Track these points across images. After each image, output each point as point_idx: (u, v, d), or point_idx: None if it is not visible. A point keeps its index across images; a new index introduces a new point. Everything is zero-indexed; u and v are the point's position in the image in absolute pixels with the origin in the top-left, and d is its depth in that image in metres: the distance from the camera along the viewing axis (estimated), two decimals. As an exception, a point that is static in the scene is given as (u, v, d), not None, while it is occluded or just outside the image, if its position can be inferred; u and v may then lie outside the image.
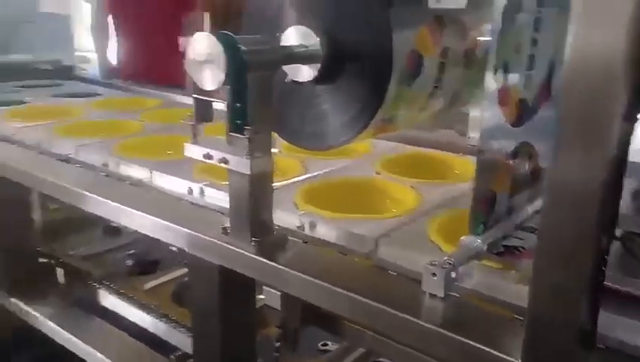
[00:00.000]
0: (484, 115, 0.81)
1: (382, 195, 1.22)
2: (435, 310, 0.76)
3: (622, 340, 0.68)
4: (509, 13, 0.79)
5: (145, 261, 1.74)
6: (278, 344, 1.08)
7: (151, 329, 1.31)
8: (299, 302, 1.10)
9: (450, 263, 0.79)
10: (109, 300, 1.43)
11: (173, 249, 1.56)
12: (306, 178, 1.26)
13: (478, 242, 0.83)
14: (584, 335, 0.61)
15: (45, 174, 1.27)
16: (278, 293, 1.11)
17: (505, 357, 0.65)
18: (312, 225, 1.01)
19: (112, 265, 1.69)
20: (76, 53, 2.80)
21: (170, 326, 1.26)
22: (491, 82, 0.80)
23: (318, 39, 0.90)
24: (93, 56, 2.75)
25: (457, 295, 0.80)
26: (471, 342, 0.68)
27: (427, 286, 0.78)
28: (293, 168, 1.32)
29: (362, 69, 0.90)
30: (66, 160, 1.40)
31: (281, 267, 0.86)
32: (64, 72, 2.62)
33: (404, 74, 0.91)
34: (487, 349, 0.66)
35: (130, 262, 1.72)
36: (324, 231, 0.99)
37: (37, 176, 1.28)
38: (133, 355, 1.31)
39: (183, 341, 1.20)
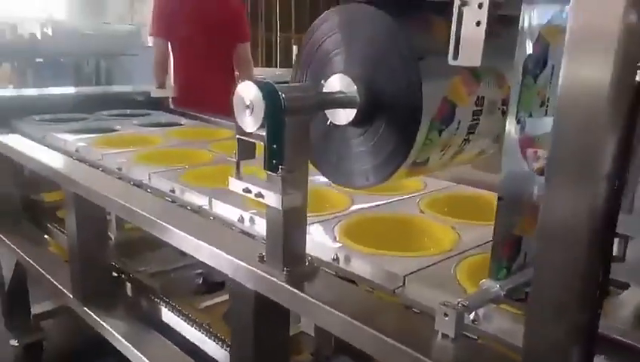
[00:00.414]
0: (503, 161, 0.84)
1: (421, 234, 1.26)
2: (444, 349, 0.79)
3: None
4: (534, 64, 0.82)
5: (211, 281, 1.86)
6: (310, 370, 1.14)
7: (199, 345, 1.41)
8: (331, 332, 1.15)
9: (463, 305, 0.82)
10: (168, 316, 1.55)
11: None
12: (351, 211, 1.32)
13: (496, 287, 0.85)
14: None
15: (119, 198, 1.43)
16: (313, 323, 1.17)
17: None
18: (347, 259, 1.07)
19: (180, 282, 1.82)
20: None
21: (216, 344, 1.35)
22: (512, 130, 0.83)
23: (356, 87, 0.97)
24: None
25: (473, 336, 0.83)
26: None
27: (439, 326, 0.81)
28: (340, 202, 1.39)
29: (394, 116, 0.96)
30: (139, 185, 1.56)
31: (307, 297, 0.92)
32: (154, 102, 2.87)
33: (436, 120, 0.96)
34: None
35: (198, 281, 1.85)
36: (357, 265, 1.05)
37: (113, 199, 1.44)
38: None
39: (224, 358, 1.29)
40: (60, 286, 1.74)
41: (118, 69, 5.99)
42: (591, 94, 0.54)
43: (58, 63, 5.80)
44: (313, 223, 1.19)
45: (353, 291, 0.97)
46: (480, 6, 0.71)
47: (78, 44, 5.60)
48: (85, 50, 5.81)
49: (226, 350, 1.34)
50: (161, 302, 1.58)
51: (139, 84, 3.50)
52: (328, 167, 1.07)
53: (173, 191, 1.49)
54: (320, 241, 1.11)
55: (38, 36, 5.63)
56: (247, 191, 0.94)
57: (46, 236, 2.17)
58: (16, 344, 2.28)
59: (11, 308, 2.33)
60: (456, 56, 0.75)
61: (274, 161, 0.89)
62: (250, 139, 0.92)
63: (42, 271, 1.85)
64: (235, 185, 0.97)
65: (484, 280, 0.87)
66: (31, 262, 1.93)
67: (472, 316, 0.87)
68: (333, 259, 1.08)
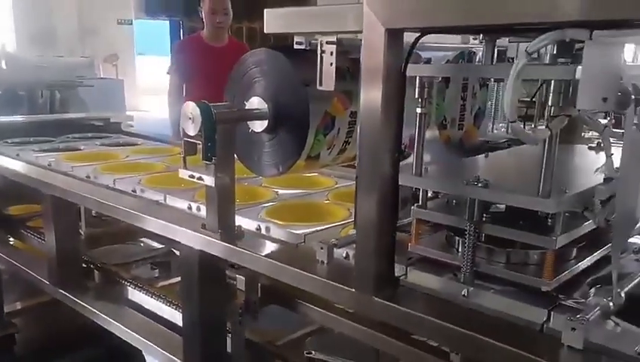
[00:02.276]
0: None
1: (325, 214, 1.71)
2: (322, 269, 1.23)
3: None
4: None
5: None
6: (240, 311, 1.55)
7: (158, 312, 1.80)
8: (257, 282, 1.58)
9: (334, 243, 1.26)
10: (131, 292, 1.93)
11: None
12: (274, 200, 1.77)
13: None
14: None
15: (93, 195, 1.82)
16: (243, 278, 1.59)
17: None
18: (267, 229, 1.51)
19: (138, 270, 2.21)
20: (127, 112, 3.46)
21: (171, 308, 1.75)
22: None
23: (266, 105, 1.43)
24: (140, 114, 3.40)
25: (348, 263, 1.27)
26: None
27: (319, 256, 1.26)
28: (268, 195, 1.84)
29: (293, 124, 1.41)
30: (107, 188, 1.96)
31: (237, 248, 1.36)
32: (113, 127, 3.24)
33: (320, 127, 1.42)
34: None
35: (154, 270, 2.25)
36: (274, 231, 1.49)
37: (88, 197, 1.83)
38: (151, 330, 1.80)
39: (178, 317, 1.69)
40: (38, 276, 2.09)
41: (73, 100, 6.26)
42: (373, 106, 1.01)
43: (14, 95, 6.03)
44: (245, 208, 1.63)
45: (270, 245, 1.42)
46: (331, 53, 1.18)
47: (33, 76, 5.86)
48: (40, 82, 6.07)
49: (178, 311, 1.73)
50: (125, 283, 1.97)
51: (96, 112, 3.86)
52: (251, 162, 1.52)
53: (134, 191, 1.89)
54: (248, 218, 1.55)
55: (-8, 68, 5.84)
56: (192, 176, 1.37)
57: (19, 241, 2.50)
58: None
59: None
60: (320, 83, 1.22)
61: (209, 154, 1.33)
62: (192, 140, 1.35)
63: (21, 266, 2.19)
64: (184, 173, 1.40)
65: (351, 230, 1.33)
66: (10, 260, 2.26)
67: (344, 253, 1.31)
68: (257, 229, 1.51)
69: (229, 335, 1.55)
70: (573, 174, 1.21)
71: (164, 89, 3.80)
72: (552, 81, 0.97)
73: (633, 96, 0.87)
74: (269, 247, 1.42)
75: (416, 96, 1.13)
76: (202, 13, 3.65)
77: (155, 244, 2.36)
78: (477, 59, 1.64)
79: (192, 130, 1.32)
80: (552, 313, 0.98)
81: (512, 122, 0.92)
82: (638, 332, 0.93)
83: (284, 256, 1.34)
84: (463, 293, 1.08)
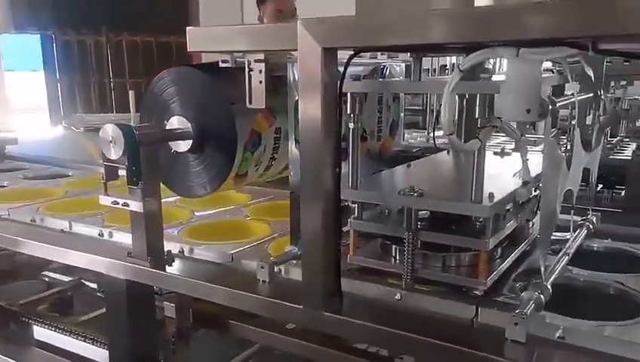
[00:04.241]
0: (293, 166, 1.31)
1: (246, 230, 1.69)
2: (263, 288, 1.22)
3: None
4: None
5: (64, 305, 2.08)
6: (173, 339, 1.48)
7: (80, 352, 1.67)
8: (188, 308, 1.52)
9: (274, 261, 1.25)
10: (42, 332, 1.77)
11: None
12: (192, 221, 1.72)
13: (295, 249, 1.31)
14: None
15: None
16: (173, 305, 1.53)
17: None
18: (190, 250, 1.45)
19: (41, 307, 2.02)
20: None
21: (94, 345, 1.63)
22: (293, 146, 1.30)
23: (190, 125, 1.38)
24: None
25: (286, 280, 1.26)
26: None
27: (260, 275, 1.24)
28: (184, 215, 1.78)
29: (219, 143, 1.38)
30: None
31: (170, 274, 1.30)
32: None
33: (248, 145, 1.41)
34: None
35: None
36: (199, 252, 1.44)
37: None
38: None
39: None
40: None
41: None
42: (313, 123, 1.03)
43: None
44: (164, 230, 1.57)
45: (200, 267, 1.37)
46: (260, 72, 1.18)
47: None
48: None
49: (104, 348, 1.61)
50: (36, 323, 1.79)
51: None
52: (176, 184, 1.46)
53: (34, 220, 1.74)
54: (169, 241, 1.48)
55: None
56: (116, 203, 1.29)
57: None
58: None
59: None
60: (250, 102, 1.21)
61: (134, 178, 1.26)
62: (115, 165, 1.27)
63: None
64: (105, 200, 1.31)
65: (287, 247, 1.33)
66: None
67: (282, 269, 1.30)
68: (180, 251, 1.45)
69: (162, 366, 1.48)
70: (494, 179, 1.31)
71: (40, 106, 3.50)
72: (478, 96, 1.05)
73: (551, 107, 0.97)
74: (201, 270, 1.37)
75: (349, 112, 1.16)
76: (262, 15, 3.28)
77: (60, 277, 2.17)
78: (387, 74, 1.73)
79: (113, 153, 1.25)
80: (480, 309, 1.05)
81: (449, 135, 0.98)
82: (557, 319, 1.02)
83: (219, 278, 1.31)
84: (396, 297, 1.12)
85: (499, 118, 1.03)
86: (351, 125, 1.18)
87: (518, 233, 1.31)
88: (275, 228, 1.62)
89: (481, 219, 1.14)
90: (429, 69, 1.63)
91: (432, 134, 1.87)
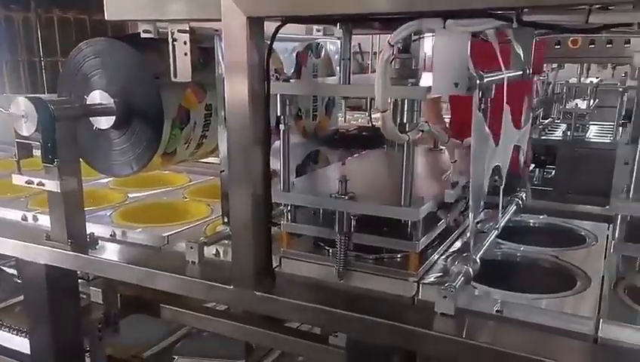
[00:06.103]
0: (221, 143, 1.26)
1: (185, 212, 1.63)
2: (193, 270, 1.17)
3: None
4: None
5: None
6: (100, 326, 1.41)
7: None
8: (116, 293, 1.46)
9: (204, 241, 1.21)
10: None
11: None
12: (126, 203, 1.64)
13: (227, 230, 1.25)
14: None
15: None
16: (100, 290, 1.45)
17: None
18: (123, 234, 1.38)
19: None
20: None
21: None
22: (222, 123, 1.24)
23: (113, 100, 1.30)
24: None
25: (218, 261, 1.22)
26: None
27: (189, 256, 1.19)
28: (117, 197, 1.70)
29: (145, 119, 1.31)
30: None
31: (93, 257, 1.23)
32: None
33: (176, 121, 1.34)
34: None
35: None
36: (132, 236, 1.37)
37: None
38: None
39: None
40: None
41: None
42: (239, 99, 0.98)
43: None
44: (93, 213, 1.49)
45: (130, 250, 1.30)
46: (185, 43, 1.12)
47: None
48: None
49: (24, 337, 1.52)
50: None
51: None
52: (99, 162, 1.38)
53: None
54: (100, 224, 1.41)
55: None
56: (30, 182, 1.20)
57: None
58: None
59: None
60: (175, 75, 1.14)
61: (50, 156, 1.18)
62: (28, 141, 1.19)
63: None
64: (19, 180, 1.22)
65: (219, 226, 1.28)
66: None
67: (213, 251, 1.25)
68: (111, 235, 1.38)
69: (88, 354, 1.41)
70: (425, 180, 1.29)
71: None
72: (405, 100, 1.03)
73: (478, 81, 0.96)
74: (130, 253, 1.31)
75: (279, 114, 1.10)
76: None
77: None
78: (323, 52, 1.69)
79: (25, 129, 1.16)
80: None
81: (382, 112, 0.96)
82: (496, 294, 1.04)
83: (150, 261, 1.25)
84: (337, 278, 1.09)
85: (426, 122, 1.02)
86: (281, 127, 1.11)
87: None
88: (216, 210, 1.57)
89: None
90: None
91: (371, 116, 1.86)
